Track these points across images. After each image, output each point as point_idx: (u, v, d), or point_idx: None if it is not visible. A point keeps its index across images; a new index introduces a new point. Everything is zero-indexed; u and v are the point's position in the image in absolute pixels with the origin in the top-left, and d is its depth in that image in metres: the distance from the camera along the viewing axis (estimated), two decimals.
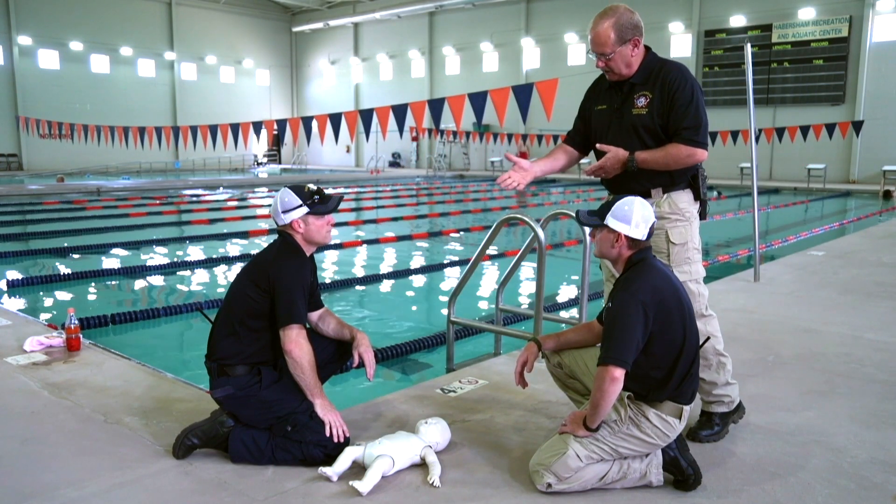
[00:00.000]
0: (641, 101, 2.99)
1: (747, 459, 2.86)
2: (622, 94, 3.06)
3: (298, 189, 2.94)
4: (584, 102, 3.29)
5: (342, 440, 2.79)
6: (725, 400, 3.08)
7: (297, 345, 2.78)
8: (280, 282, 2.81)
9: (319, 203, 2.92)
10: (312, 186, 2.97)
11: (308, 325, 3.01)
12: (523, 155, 27.70)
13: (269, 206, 3.06)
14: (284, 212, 2.91)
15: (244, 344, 2.85)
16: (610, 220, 2.61)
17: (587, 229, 3.71)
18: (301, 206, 2.90)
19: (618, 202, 2.64)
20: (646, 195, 3.02)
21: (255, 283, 2.85)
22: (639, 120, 2.99)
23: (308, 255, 2.98)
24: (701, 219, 3.15)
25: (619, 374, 2.42)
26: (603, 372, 2.44)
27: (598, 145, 3.04)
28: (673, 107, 2.93)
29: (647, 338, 2.49)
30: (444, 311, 4.47)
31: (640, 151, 2.97)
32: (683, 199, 3.07)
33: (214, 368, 2.87)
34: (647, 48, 3.05)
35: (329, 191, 3.02)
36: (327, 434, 2.78)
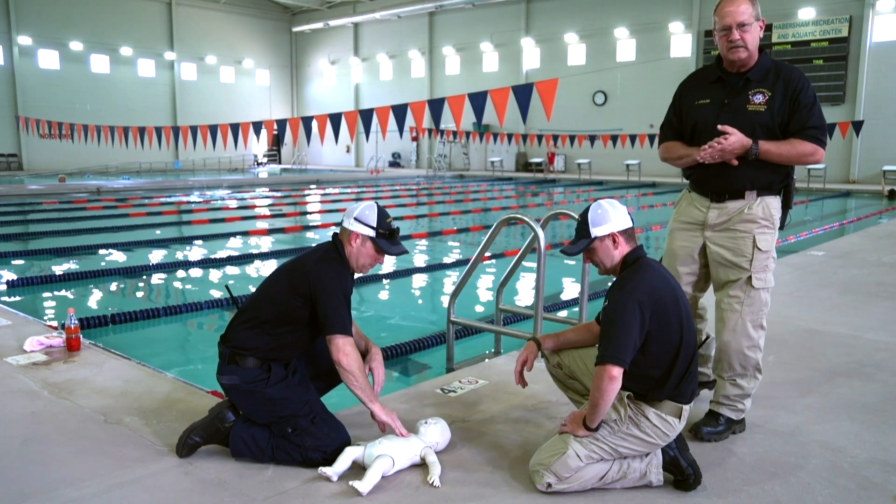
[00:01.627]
0: (759, 98, 2.97)
1: (747, 459, 2.86)
2: (735, 88, 3.03)
3: (383, 214, 2.92)
4: (678, 97, 3.24)
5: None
6: (739, 407, 3.10)
7: (345, 354, 2.77)
8: (323, 290, 2.79)
9: (386, 239, 2.91)
10: (395, 224, 2.96)
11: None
12: (552, 155, 27.64)
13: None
14: (357, 219, 2.89)
15: (263, 340, 2.84)
16: (596, 230, 2.62)
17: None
18: (371, 228, 2.88)
19: (589, 214, 2.65)
20: (739, 195, 3.03)
21: (294, 290, 2.83)
22: (757, 117, 2.97)
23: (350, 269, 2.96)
24: (780, 227, 3.16)
25: (616, 372, 2.42)
26: (601, 371, 2.44)
27: (720, 127, 2.94)
28: (798, 107, 2.95)
29: (644, 337, 2.48)
30: (444, 312, 4.47)
31: (763, 141, 2.94)
32: (774, 206, 3.08)
33: (226, 354, 2.86)
34: (762, 49, 3.05)
35: (400, 240, 3.00)
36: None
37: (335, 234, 2.98)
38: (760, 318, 3.07)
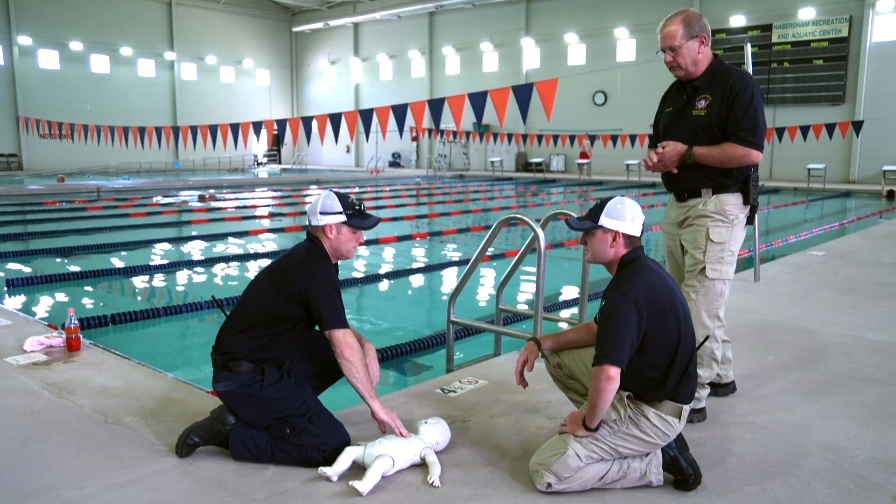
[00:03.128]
0: (702, 104, 3.18)
1: (747, 459, 2.86)
2: (686, 96, 3.27)
3: (343, 196, 2.93)
4: (658, 107, 3.49)
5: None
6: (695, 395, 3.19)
7: (347, 346, 2.78)
8: (314, 288, 2.80)
9: (358, 217, 2.92)
10: (356, 199, 2.96)
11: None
12: (584, 155, 27.56)
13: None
14: (322, 213, 2.89)
15: (254, 343, 2.84)
16: (604, 220, 2.62)
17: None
18: (340, 213, 2.88)
19: (609, 202, 2.64)
20: (696, 194, 3.22)
21: (281, 290, 2.83)
22: (698, 121, 3.18)
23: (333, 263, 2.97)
24: (748, 223, 3.31)
25: (614, 372, 2.42)
26: (598, 371, 2.44)
27: (660, 145, 3.25)
28: (732, 109, 3.09)
29: (641, 337, 2.48)
30: (444, 312, 4.47)
31: (697, 147, 3.14)
32: (731, 202, 3.21)
33: (219, 361, 2.87)
34: (716, 55, 3.22)
35: (370, 211, 3.02)
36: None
37: (309, 234, 2.98)
38: (716, 308, 3.22)
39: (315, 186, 22.07)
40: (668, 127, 3.31)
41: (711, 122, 3.13)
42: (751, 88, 3.09)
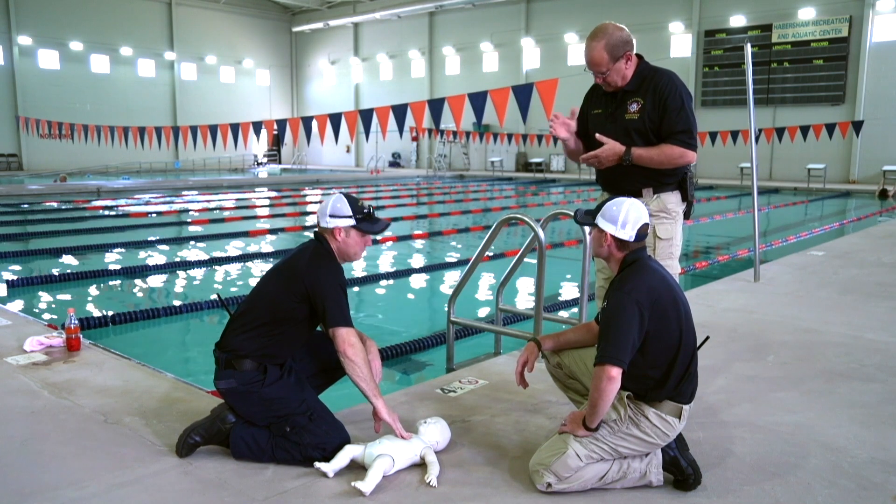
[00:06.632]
0: (634, 107, 3.23)
1: (747, 459, 2.86)
2: (616, 100, 3.30)
3: (353, 200, 2.94)
4: (583, 105, 3.52)
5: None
6: None
7: (349, 345, 2.79)
8: (320, 287, 2.81)
9: (367, 221, 2.94)
10: (366, 203, 2.98)
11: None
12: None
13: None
14: (332, 216, 2.90)
15: (259, 342, 2.85)
16: (599, 220, 2.66)
17: (587, 229, 3.81)
18: (350, 217, 2.91)
19: (609, 202, 2.66)
20: (637, 194, 3.21)
21: (289, 291, 2.84)
22: (631, 124, 3.23)
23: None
24: (685, 218, 3.38)
25: (615, 372, 2.42)
26: (600, 371, 2.44)
27: (597, 136, 3.25)
28: (665, 112, 3.17)
29: (643, 337, 2.49)
30: (444, 312, 4.47)
31: (635, 147, 3.18)
32: (671, 200, 3.30)
33: (222, 359, 2.87)
34: (640, 57, 3.29)
35: (379, 216, 3.04)
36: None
37: (316, 234, 2.99)
38: None
39: (315, 186, 22.07)
40: (597, 129, 3.31)
41: (645, 125, 3.19)
42: (679, 90, 3.18)
